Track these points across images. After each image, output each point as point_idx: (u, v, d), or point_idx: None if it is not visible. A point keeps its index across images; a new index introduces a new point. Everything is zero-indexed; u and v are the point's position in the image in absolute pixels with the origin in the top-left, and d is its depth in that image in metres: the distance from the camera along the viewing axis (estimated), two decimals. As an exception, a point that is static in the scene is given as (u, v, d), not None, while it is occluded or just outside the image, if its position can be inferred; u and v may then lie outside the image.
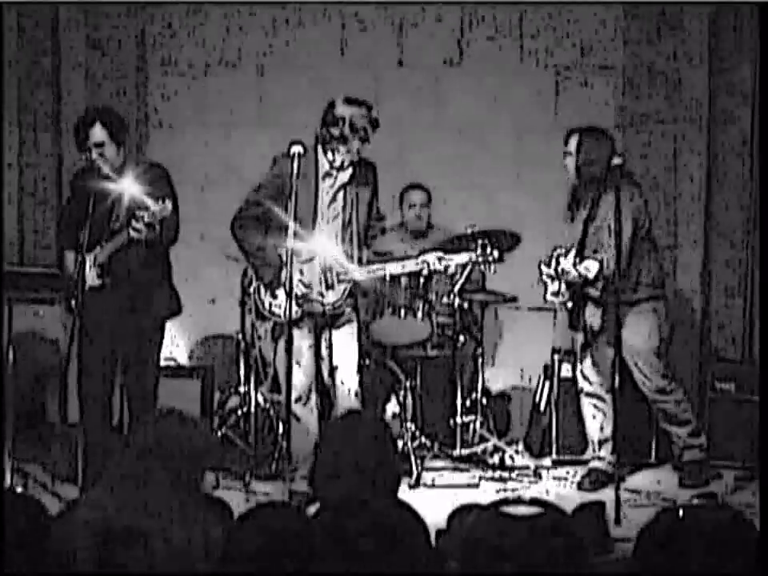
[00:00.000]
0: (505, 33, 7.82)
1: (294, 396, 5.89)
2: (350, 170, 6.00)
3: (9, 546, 3.03)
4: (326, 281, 5.99)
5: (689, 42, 7.50)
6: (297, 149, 5.80)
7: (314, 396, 6.13)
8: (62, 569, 2.97)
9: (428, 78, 7.93)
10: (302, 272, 5.97)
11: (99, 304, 5.90)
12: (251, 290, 6.17)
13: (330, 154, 5.96)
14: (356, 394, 6.10)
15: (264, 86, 7.95)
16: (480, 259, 6.19)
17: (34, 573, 3.04)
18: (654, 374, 6.35)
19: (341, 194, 6.03)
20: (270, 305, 6.05)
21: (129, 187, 5.81)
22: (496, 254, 6.20)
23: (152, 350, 6.11)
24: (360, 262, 6.05)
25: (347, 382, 6.09)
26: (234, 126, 7.96)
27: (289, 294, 5.74)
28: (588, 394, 6.46)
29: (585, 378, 6.46)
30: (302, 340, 6.00)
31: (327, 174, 6.01)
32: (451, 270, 6.28)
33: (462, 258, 6.20)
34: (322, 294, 6.01)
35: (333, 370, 6.13)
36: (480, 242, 6.21)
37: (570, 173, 6.33)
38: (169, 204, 5.70)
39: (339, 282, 6.00)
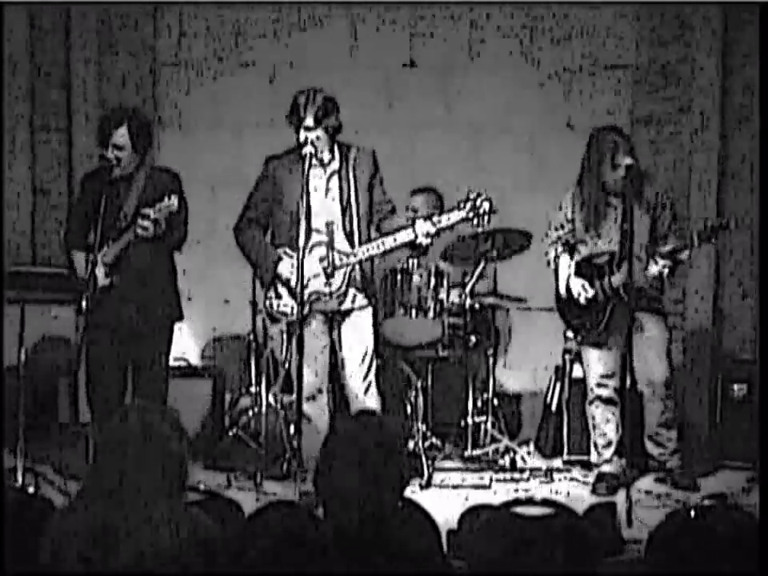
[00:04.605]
0: (516, 33, 7.82)
1: (303, 395, 5.91)
2: (336, 159, 6.01)
3: (13, 545, 3.03)
4: (326, 270, 5.95)
5: (701, 42, 7.50)
6: (308, 149, 5.87)
7: (324, 395, 6.13)
8: (57, 568, 2.96)
9: (439, 79, 7.93)
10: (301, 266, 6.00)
11: (108, 304, 5.99)
12: (265, 292, 6.17)
13: (309, 147, 5.97)
14: (365, 392, 6.09)
15: (275, 86, 7.95)
16: (471, 214, 5.90)
17: (35, 572, 3.03)
18: (665, 366, 6.35)
19: (334, 183, 6.04)
20: (278, 305, 6.07)
21: (137, 188, 6.01)
22: (487, 205, 5.87)
23: (161, 352, 6.17)
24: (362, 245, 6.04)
25: (357, 379, 6.08)
26: (246, 126, 7.97)
27: (300, 295, 5.74)
28: (606, 401, 6.39)
29: (601, 384, 6.40)
30: (315, 339, 6.00)
31: (313, 166, 5.96)
32: (445, 231, 5.99)
33: (454, 216, 5.94)
34: (328, 285, 6.00)
35: (344, 367, 6.12)
36: (469, 196, 5.90)
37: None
38: (174, 200, 5.82)
39: (337, 268, 5.98)
